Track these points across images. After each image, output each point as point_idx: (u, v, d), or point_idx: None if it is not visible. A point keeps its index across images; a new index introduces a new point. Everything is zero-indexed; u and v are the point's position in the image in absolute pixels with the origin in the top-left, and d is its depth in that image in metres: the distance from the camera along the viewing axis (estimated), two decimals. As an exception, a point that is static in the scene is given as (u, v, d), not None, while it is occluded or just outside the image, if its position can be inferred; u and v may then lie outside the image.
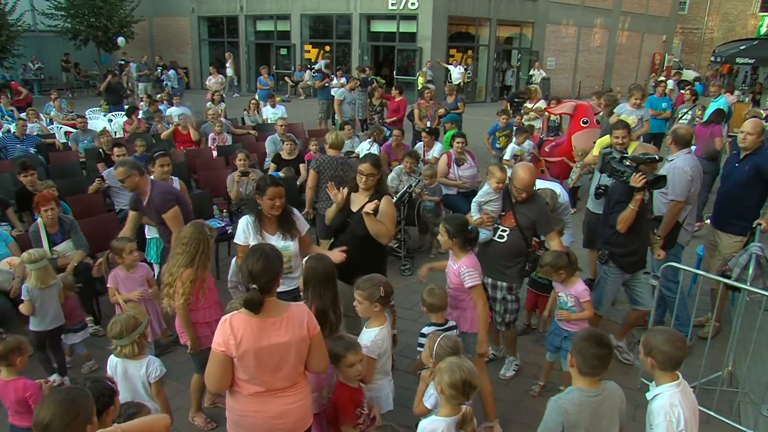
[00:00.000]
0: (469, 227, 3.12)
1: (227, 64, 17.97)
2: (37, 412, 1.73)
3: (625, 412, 2.32)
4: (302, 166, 6.62)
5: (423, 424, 2.30)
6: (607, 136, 4.88)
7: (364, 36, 19.81)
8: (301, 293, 2.82)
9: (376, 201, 3.45)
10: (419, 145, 7.37)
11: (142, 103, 10.75)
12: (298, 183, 6.46)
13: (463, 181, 6.20)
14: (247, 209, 3.69)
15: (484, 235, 3.51)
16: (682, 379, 2.26)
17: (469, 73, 18.89)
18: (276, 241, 3.17)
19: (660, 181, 3.53)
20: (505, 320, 3.67)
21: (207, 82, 14.55)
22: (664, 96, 9.18)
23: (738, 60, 15.49)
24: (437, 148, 7.10)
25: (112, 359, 2.78)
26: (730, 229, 4.17)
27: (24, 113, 9.50)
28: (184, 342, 3.19)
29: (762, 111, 8.56)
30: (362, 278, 2.79)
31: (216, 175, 6.85)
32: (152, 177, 4.43)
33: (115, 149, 5.86)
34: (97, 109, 11.87)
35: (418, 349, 3.00)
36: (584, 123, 7.72)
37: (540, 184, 4.22)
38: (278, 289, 2.25)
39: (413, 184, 5.79)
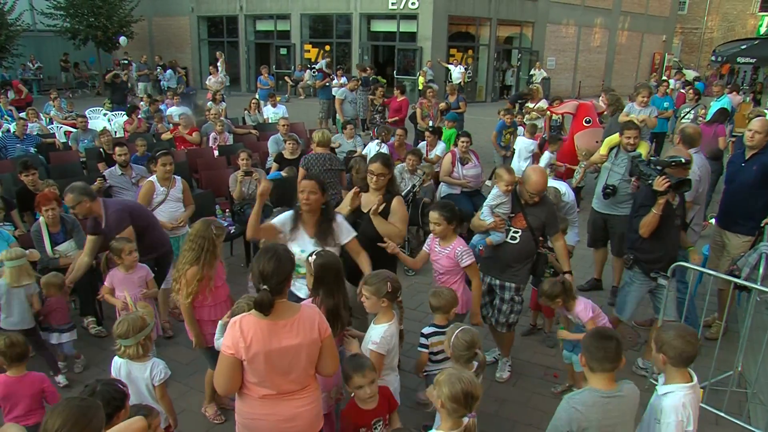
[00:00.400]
0: (458, 208, 3.30)
1: (218, 64, 18.02)
2: (47, 419, 1.70)
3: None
4: (304, 166, 6.58)
5: None
6: (616, 135, 4.86)
7: (364, 36, 19.78)
8: (309, 291, 2.78)
9: (380, 199, 3.44)
10: (422, 144, 7.34)
11: (142, 102, 10.71)
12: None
13: (467, 180, 6.16)
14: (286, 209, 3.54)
15: (498, 237, 3.52)
16: (696, 381, 2.24)
17: (469, 73, 18.86)
18: (311, 245, 3.03)
19: (684, 185, 3.43)
20: (509, 321, 3.66)
21: (207, 82, 14.52)
22: (667, 95, 9.15)
23: (739, 60, 15.49)
24: (440, 147, 7.06)
25: (116, 360, 2.74)
26: (738, 230, 4.14)
27: (23, 113, 9.45)
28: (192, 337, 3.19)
29: (765, 110, 8.54)
30: (370, 273, 2.80)
31: (217, 175, 6.82)
32: (155, 176, 4.41)
33: (117, 148, 5.82)
34: (100, 108, 11.83)
35: (419, 349, 3.05)
36: (587, 122, 7.70)
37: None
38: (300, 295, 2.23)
39: (416, 184, 5.75)
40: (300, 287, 3.09)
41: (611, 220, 4.84)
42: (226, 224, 5.47)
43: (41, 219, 4.30)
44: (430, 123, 8.82)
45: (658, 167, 3.50)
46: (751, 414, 3.41)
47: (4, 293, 3.59)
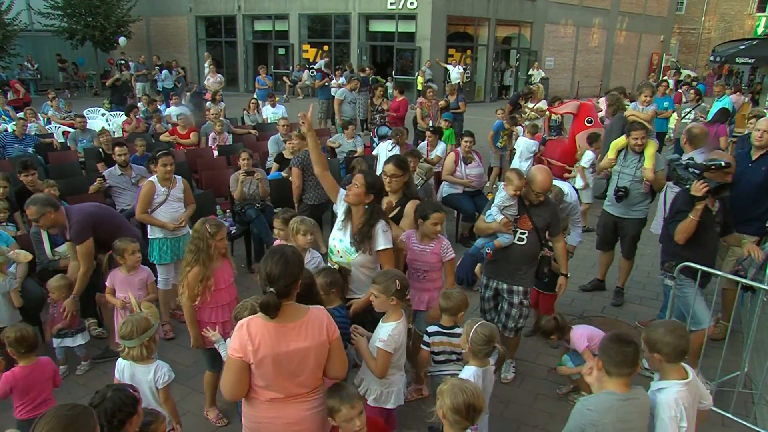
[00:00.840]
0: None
1: (206, 65, 18.00)
2: (36, 425, 1.67)
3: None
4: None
5: None
6: (622, 138, 4.84)
7: (362, 36, 19.76)
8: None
9: (390, 202, 3.48)
10: (422, 145, 7.31)
11: (140, 103, 10.66)
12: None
13: (470, 180, 6.14)
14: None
15: (507, 239, 3.51)
16: (693, 377, 2.23)
17: (468, 73, 18.85)
18: (348, 243, 3.04)
19: (724, 190, 3.28)
20: (518, 325, 3.64)
21: (206, 82, 14.46)
22: (666, 95, 9.14)
23: (738, 60, 15.52)
24: (441, 147, 7.04)
25: (120, 362, 2.72)
26: (744, 230, 4.12)
27: (21, 113, 9.39)
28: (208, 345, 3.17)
29: (765, 110, 8.54)
30: (379, 272, 2.79)
31: (217, 175, 6.78)
32: (155, 176, 4.36)
33: (117, 148, 5.78)
34: (98, 108, 11.76)
35: (422, 347, 3.05)
36: (589, 122, 7.67)
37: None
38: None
39: (418, 184, 5.72)
40: None
41: (622, 223, 4.83)
42: (227, 224, 5.45)
43: (41, 220, 4.25)
44: (430, 123, 8.80)
45: (697, 171, 3.34)
46: (758, 416, 3.39)
47: None
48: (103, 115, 11.21)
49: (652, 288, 5.45)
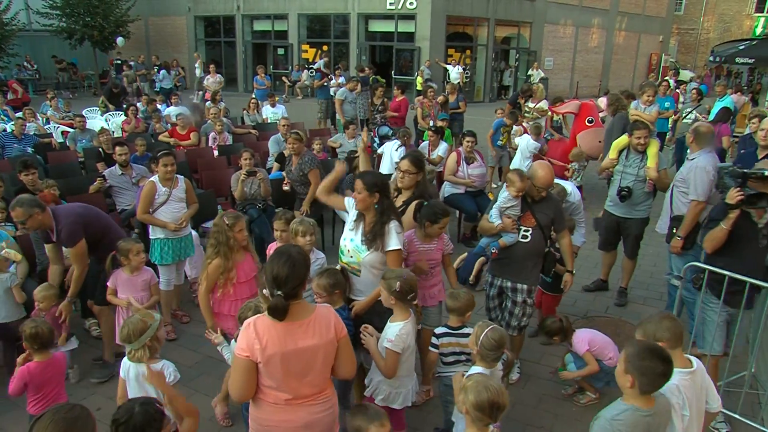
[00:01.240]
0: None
1: (196, 65, 17.95)
2: (32, 427, 1.63)
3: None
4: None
5: None
6: (623, 137, 4.82)
7: (362, 36, 19.73)
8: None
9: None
10: (424, 144, 7.29)
11: (139, 103, 10.61)
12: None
13: (472, 180, 6.11)
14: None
15: (511, 238, 3.49)
16: (699, 367, 2.25)
17: (467, 73, 18.85)
18: (360, 242, 3.00)
19: (761, 200, 3.02)
20: (521, 324, 3.62)
21: (205, 82, 14.43)
22: (668, 95, 9.13)
23: (738, 60, 15.52)
24: (443, 147, 7.01)
25: (125, 362, 2.68)
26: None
27: (19, 113, 9.34)
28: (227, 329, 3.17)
29: (766, 110, 8.53)
30: (390, 269, 2.79)
31: (218, 175, 6.75)
32: (157, 176, 4.33)
33: (117, 148, 5.74)
34: (95, 108, 11.72)
35: (430, 348, 3.02)
36: (590, 122, 7.67)
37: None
38: None
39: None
40: None
41: (626, 223, 4.80)
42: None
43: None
44: (431, 123, 8.77)
45: (739, 179, 3.14)
46: (765, 417, 3.37)
47: None
48: (102, 115, 11.16)
49: (655, 288, 5.43)
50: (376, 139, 8.59)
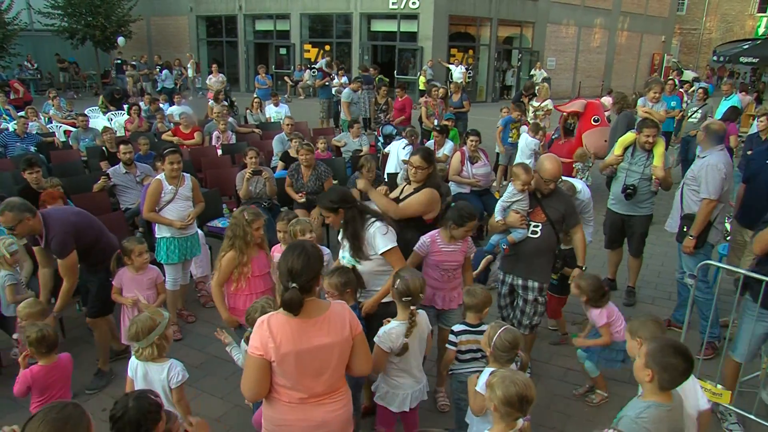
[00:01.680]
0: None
1: (188, 65, 17.94)
2: (24, 427, 1.60)
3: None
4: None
5: None
6: (629, 134, 4.77)
7: (364, 35, 19.69)
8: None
9: (386, 188, 3.68)
10: (429, 143, 7.25)
11: (141, 102, 10.59)
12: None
13: (477, 180, 6.07)
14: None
15: (520, 234, 3.45)
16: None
17: (470, 73, 18.80)
18: (348, 253, 2.97)
19: None
20: (532, 323, 3.58)
21: (207, 81, 14.40)
22: (674, 94, 9.07)
23: (742, 59, 15.47)
24: (448, 146, 6.98)
25: (133, 361, 2.65)
26: (761, 228, 4.06)
27: (22, 112, 9.31)
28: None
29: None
30: (406, 268, 2.74)
31: (222, 174, 6.71)
32: (163, 174, 4.28)
33: (121, 146, 5.71)
34: (96, 108, 11.69)
35: (447, 346, 2.99)
36: (595, 121, 7.63)
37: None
38: None
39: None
40: None
41: (630, 221, 4.76)
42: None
43: (45, 218, 4.16)
44: (435, 122, 8.74)
45: None
46: (779, 416, 3.32)
47: None
48: (105, 113, 11.13)
49: (663, 287, 5.40)
50: (380, 138, 8.57)
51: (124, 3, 20.43)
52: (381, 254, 2.87)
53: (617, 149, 4.77)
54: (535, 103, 9.25)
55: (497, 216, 3.53)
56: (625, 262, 5.14)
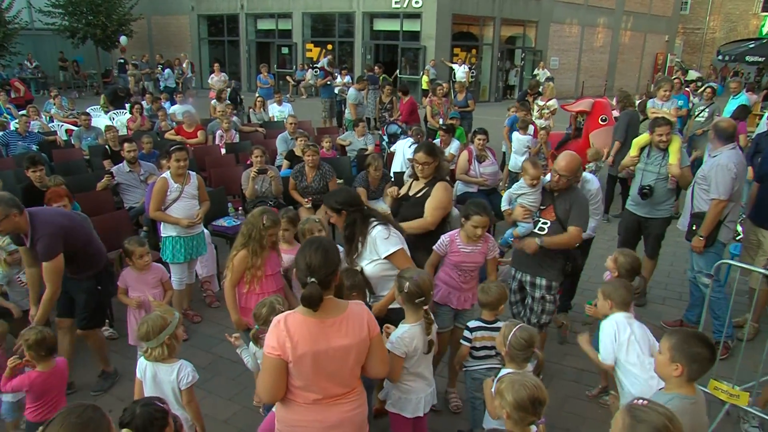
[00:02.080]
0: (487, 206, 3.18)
1: (183, 65, 17.90)
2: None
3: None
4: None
5: None
6: (644, 134, 4.71)
7: (366, 35, 19.62)
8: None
9: (395, 188, 3.64)
10: (435, 142, 7.19)
11: (144, 101, 10.54)
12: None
13: (484, 179, 6.01)
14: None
15: (525, 228, 3.44)
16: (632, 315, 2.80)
17: (473, 73, 18.72)
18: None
19: None
20: (540, 321, 3.52)
21: (209, 80, 14.35)
22: (681, 93, 9.00)
23: (748, 58, 15.37)
24: (454, 145, 6.92)
25: (142, 362, 2.59)
26: None
27: (23, 111, 9.26)
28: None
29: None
30: (408, 267, 2.68)
31: (226, 173, 6.65)
32: (168, 172, 4.22)
33: (126, 145, 5.65)
34: (98, 107, 11.65)
35: (462, 342, 2.96)
36: (603, 120, 7.57)
37: None
38: None
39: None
40: None
41: (647, 222, 4.69)
42: (239, 223, 5.30)
43: (50, 216, 4.10)
44: (440, 121, 8.68)
45: None
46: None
47: None
48: (106, 112, 11.08)
49: (673, 287, 5.34)
50: (385, 137, 8.51)
51: (125, 2, 20.37)
52: (385, 258, 2.80)
53: (633, 150, 4.71)
54: (540, 102, 9.19)
55: (503, 205, 3.57)
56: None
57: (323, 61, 17.45)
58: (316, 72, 17.37)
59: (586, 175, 4.32)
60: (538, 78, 17.70)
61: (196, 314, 4.59)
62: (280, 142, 7.36)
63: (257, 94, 11.38)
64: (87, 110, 10.13)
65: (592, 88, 22.85)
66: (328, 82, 13.32)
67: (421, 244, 3.23)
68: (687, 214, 4.27)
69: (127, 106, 10.12)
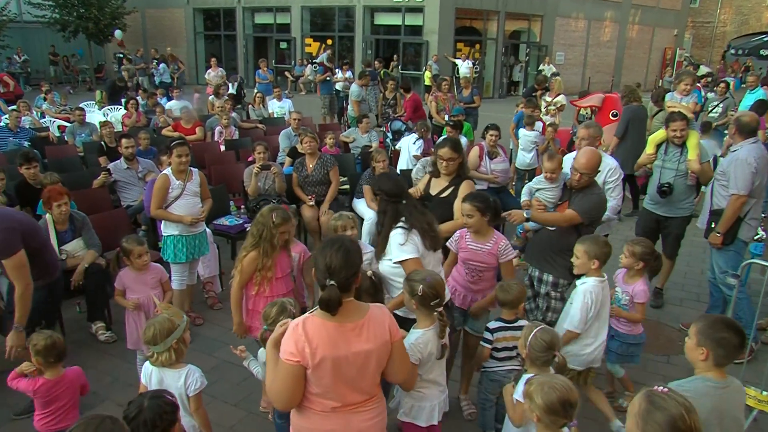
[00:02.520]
0: (491, 198, 3.07)
1: (179, 61, 17.69)
2: None
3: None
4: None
5: None
6: (660, 131, 4.55)
7: (367, 29, 19.34)
8: None
9: (418, 188, 3.58)
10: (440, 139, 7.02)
11: (138, 97, 10.30)
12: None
13: (495, 176, 5.83)
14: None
15: (534, 223, 3.40)
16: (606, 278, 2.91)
17: (477, 68, 18.45)
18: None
19: None
20: (546, 319, 3.39)
21: (206, 76, 14.06)
22: (695, 88, 8.80)
23: (762, 52, 15.07)
24: (462, 141, 6.73)
25: (147, 367, 2.45)
26: None
27: (13, 106, 9.01)
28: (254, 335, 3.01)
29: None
30: (416, 270, 2.55)
31: (227, 170, 6.45)
32: (169, 169, 4.03)
33: (123, 140, 5.46)
34: (92, 102, 11.41)
35: (482, 344, 2.93)
36: (614, 116, 7.42)
37: None
38: None
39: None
40: None
41: (666, 221, 4.54)
42: (241, 221, 5.13)
43: (48, 216, 3.91)
44: (446, 117, 8.49)
45: None
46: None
47: None
48: (100, 109, 10.86)
49: (690, 289, 5.21)
50: (389, 134, 8.32)
51: (118, -6, 19.94)
52: (395, 263, 2.68)
53: (649, 147, 4.56)
54: (548, 98, 9.00)
55: (523, 197, 3.60)
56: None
57: (322, 56, 17.14)
58: (315, 67, 17.10)
59: (606, 158, 4.14)
60: (543, 73, 17.52)
61: (198, 316, 4.42)
62: (283, 138, 7.17)
63: (256, 90, 11.13)
64: (81, 105, 9.91)
65: (598, 83, 22.48)
66: (328, 78, 13.07)
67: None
68: (706, 211, 4.15)
69: (123, 101, 9.89)
